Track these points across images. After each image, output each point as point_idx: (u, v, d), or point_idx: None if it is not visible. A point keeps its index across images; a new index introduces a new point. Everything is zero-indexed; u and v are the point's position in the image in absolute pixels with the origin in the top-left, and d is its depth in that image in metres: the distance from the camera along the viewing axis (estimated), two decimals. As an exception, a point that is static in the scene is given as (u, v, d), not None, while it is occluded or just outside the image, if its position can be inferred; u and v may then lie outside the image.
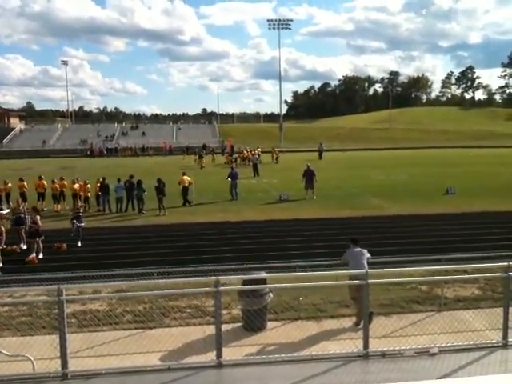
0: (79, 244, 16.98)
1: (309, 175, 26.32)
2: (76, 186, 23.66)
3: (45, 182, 24.64)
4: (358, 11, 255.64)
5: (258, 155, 44.49)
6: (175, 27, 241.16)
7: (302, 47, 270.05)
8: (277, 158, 50.70)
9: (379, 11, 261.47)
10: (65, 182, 24.71)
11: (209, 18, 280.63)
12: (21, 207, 17.57)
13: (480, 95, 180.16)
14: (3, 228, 14.72)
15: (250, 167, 39.67)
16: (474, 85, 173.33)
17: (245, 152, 50.68)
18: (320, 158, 52.68)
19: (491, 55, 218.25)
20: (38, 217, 16.06)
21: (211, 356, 7.36)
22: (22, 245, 16.62)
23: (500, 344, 7.71)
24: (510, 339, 7.68)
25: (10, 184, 25.13)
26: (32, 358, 7.25)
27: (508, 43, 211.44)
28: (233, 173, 27.10)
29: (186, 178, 24.96)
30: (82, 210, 17.86)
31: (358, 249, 9.95)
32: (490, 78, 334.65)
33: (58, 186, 24.09)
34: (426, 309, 10.24)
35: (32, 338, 8.71)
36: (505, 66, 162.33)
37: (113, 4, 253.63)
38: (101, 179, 23.93)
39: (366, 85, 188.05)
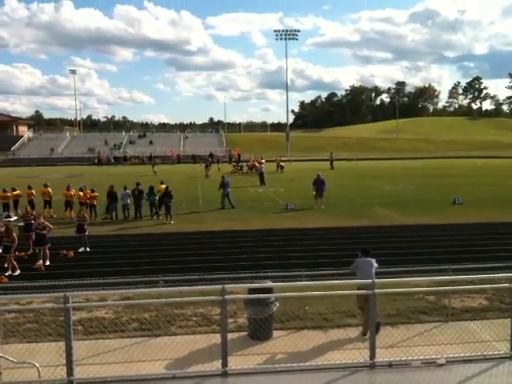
0: (82, 250, 17.22)
1: (318, 184, 26.28)
2: (81, 193, 23.77)
3: (50, 190, 24.75)
4: (364, 22, 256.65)
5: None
6: (182, 37, 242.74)
7: (308, 57, 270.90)
8: (281, 167, 50.45)
9: (385, 22, 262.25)
10: (81, 192, 24.78)
11: (215, 28, 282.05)
12: (29, 214, 17.74)
13: (487, 105, 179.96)
14: (15, 235, 15.02)
15: (257, 176, 39.68)
16: (482, 95, 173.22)
17: (252, 161, 50.69)
18: (331, 167, 52.57)
19: (497, 66, 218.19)
20: (46, 222, 16.21)
21: (217, 365, 7.35)
22: (30, 251, 16.72)
23: (508, 355, 7.66)
24: (517, 350, 7.63)
25: (18, 191, 25.21)
26: (38, 365, 7.25)
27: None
28: (224, 182, 26.75)
29: (163, 186, 24.70)
30: (84, 220, 17.93)
31: (367, 258, 9.90)
32: (496, 88, 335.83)
33: (72, 193, 24.26)
34: (433, 319, 10.19)
35: (38, 344, 8.72)
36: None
37: (120, 14, 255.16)
38: (109, 187, 24.03)
39: (373, 95, 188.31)
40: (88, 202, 23.56)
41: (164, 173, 48.26)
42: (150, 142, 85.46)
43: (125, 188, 24.14)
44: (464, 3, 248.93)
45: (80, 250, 17.18)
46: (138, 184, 24.36)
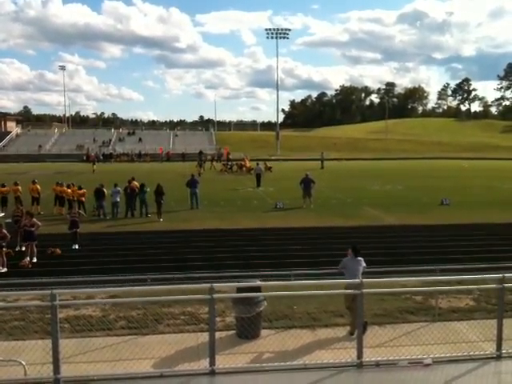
0: (76, 247, 17.12)
1: (306, 183, 26.32)
2: (70, 190, 23.63)
3: (38, 186, 24.59)
4: (353, 22, 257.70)
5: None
6: (171, 34, 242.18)
7: (298, 57, 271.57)
8: (269, 168, 48.71)
9: (373, 22, 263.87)
10: (69, 189, 24.62)
11: (204, 25, 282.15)
12: (18, 210, 17.63)
13: (476, 107, 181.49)
14: (5, 231, 14.93)
15: (246, 175, 39.45)
16: (470, 97, 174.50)
17: (245, 161, 50.22)
18: (321, 167, 52.55)
19: (485, 68, 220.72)
20: (35, 219, 16.09)
21: (204, 363, 7.34)
22: (17, 248, 16.60)
23: (494, 355, 7.72)
24: (503, 351, 7.69)
25: (6, 187, 24.99)
26: (24, 363, 7.20)
27: (501, 56, 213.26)
28: (192, 180, 26.39)
29: (135, 183, 24.57)
30: (77, 215, 17.87)
31: (356, 258, 9.93)
32: (484, 90, 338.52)
33: (63, 190, 24.07)
34: (420, 319, 10.22)
35: (24, 342, 8.65)
36: (500, 78, 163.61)
37: (108, 10, 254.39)
38: (98, 185, 23.88)
39: (363, 95, 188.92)
40: (76, 198, 23.43)
41: (152, 171, 48.09)
42: (140, 140, 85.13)
43: (115, 185, 23.96)
44: (452, 5, 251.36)
45: (73, 247, 17.06)
46: (130, 181, 24.21)
